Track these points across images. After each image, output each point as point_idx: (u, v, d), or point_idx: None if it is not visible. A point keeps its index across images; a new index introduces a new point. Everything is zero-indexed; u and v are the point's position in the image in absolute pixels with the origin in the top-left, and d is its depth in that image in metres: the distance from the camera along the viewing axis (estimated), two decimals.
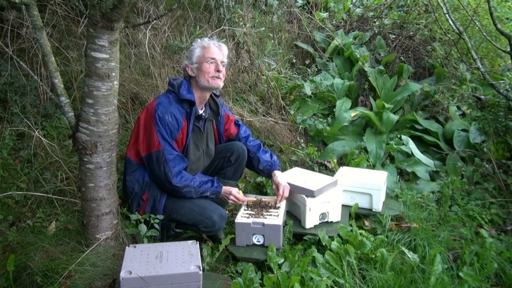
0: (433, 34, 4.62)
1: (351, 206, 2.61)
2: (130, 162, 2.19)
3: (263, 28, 4.25)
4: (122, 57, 3.37)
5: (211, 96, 2.36)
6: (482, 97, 3.83)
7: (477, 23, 3.81)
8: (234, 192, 2.29)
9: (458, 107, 4.02)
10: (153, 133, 2.08)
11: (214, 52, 2.21)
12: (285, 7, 4.91)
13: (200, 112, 2.29)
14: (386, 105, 3.74)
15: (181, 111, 2.17)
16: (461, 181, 3.12)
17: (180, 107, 2.17)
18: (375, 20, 5.05)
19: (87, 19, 1.67)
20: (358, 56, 4.33)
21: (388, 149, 3.49)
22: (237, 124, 2.55)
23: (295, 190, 2.40)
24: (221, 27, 3.81)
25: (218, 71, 2.21)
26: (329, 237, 2.27)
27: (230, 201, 2.30)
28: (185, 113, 2.18)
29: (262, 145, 2.55)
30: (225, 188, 2.28)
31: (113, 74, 1.76)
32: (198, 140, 2.32)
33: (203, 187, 2.18)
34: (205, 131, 2.36)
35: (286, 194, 2.37)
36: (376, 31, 4.84)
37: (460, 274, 2.15)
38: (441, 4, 3.72)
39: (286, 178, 2.47)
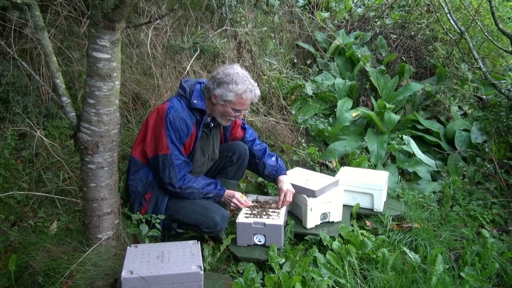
0: (434, 34, 4.62)
1: (352, 206, 2.61)
2: (135, 162, 2.19)
3: (265, 28, 4.25)
4: (123, 57, 3.38)
5: None
6: (484, 97, 3.83)
7: (478, 23, 3.81)
8: (238, 196, 2.29)
9: (460, 107, 4.02)
10: (162, 137, 2.07)
11: (245, 105, 2.20)
12: (286, 7, 4.91)
13: (209, 120, 2.29)
14: (388, 105, 3.74)
15: (192, 118, 2.16)
16: (462, 181, 3.12)
17: (191, 113, 2.17)
18: (377, 20, 5.04)
19: (89, 19, 1.67)
20: (360, 56, 4.33)
21: (389, 149, 3.49)
22: (243, 128, 2.54)
23: (296, 190, 2.40)
24: (223, 27, 3.82)
25: (236, 117, 2.23)
26: (330, 237, 2.27)
27: (232, 205, 2.30)
28: (195, 120, 2.18)
29: (267, 149, 2.54)
30: (228, 192, 2.28)
31: (115, 74, 1.76)
32: (205, 146, 2.32)
33: (206, 188, 2.18)
34: (212, 136, 2.36)
35: (289, 199, 2.35)
36: (378, 31, 4.84)
37: (462, 274, 2.15)
38: (443, 4, 3.71)
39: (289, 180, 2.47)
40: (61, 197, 2.37)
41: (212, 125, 2.31)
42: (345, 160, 3.42)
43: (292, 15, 4.91)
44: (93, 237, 1.98)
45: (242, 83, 2.12)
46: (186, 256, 1.76)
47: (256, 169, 2.51)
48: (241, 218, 2.21)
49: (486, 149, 3.36)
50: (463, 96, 3.95)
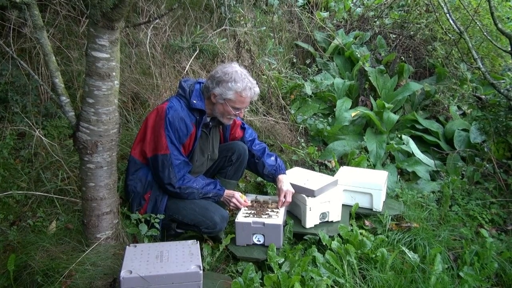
0: (433, 33, 4.62)
1: (351, 206, 2.61)
2: (134, 161, 2.19)
3: (264, 28, 4.25)
4: (122, 57, 3.37)
5: None
6: (483, 96, 3.83)
7: (477, 23, 3.81)
8: (237, 196, 2.29)
9: (459, 107, 4.02)
10: (162, 137, 2.07)
11: (245, 103, 2.18)
12: (285, 7, 4.91)
13: (208, 120, 2.29)
14: (387, 105, 3.74)
15: (191, 118, 2.16)
16: (461, 181, 3.12)
17: (191, 113, 2.16)
18: (376, 19, 5.04)
19: (88, 18, 1.67)
20: (359, 55, 4.33)
21: (388, 149, 3.49)
22: (242, 128, 2.53)
23: (295, 189, 2.40)
24: (222, 27, 3.81)
25: (236, 115, 2.22)
26: (330, 236, 2.27)
27: (231, 205, 2.30)
28: (194, 120, 2.17)
29: (267, 149, 2.54)
30: (228, 191, 2.28)
31: (114, 73, 1.76)
32: (204, 146, 2.31)
33: (205, 188, 2.18)
34: (211, 136, 2.36)
35: (289, 199, 2.35)
36: (377, 31, 4.84)
37: (461, 274, 2.15)
38: (442, 4, 3.71)
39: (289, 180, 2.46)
40: (60, 197, 2.36)
41: (211, 125, 2.30)
42: (344, 160, 3.43)
43: (291, 14, 4.91)
44: (92, 237, 1.98)
45: (241, 81, 2.12)
46: (185, 256, 1.76)
47: (255, 169, 2.51)
48: (240, 217, 2.21)
49: (485, 149, 3.37)
50: (462, 96, 3.95)
